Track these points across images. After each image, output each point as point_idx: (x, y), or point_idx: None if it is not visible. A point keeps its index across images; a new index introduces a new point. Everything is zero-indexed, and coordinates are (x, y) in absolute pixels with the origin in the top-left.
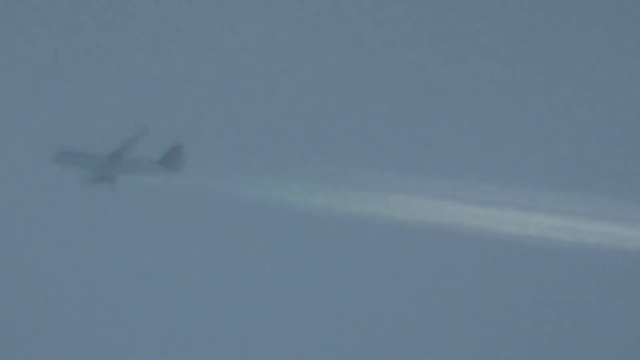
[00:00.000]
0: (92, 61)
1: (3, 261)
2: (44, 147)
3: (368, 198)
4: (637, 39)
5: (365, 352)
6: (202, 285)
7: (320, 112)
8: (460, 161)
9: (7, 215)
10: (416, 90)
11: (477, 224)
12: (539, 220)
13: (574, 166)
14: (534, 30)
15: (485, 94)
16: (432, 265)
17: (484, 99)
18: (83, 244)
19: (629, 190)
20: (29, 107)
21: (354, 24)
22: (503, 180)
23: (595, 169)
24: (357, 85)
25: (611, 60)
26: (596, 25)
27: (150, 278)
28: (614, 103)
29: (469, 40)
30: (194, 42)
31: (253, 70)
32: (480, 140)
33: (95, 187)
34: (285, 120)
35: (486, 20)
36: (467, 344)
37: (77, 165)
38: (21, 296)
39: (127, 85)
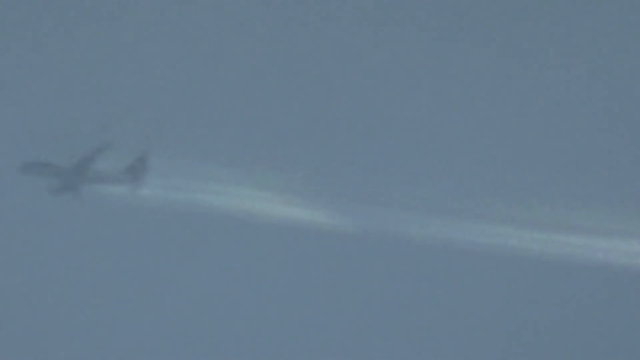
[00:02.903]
0: (56, 72)
1: None
2: (10, 158)
3: (337, 208)
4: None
5: None
6: (162, 293)
7: (290, 121)
8: (443, 170)
9: None
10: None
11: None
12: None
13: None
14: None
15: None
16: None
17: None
18: (49, 252)
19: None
20: None
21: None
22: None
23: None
24: (328, 94)
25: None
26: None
27: (114, 285)
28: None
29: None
30: (160, 53)
31: (219, 81)
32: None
33: (60, 197)
34: (252, 130)
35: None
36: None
37: (42, 176)
38: None
39: (93, 97)
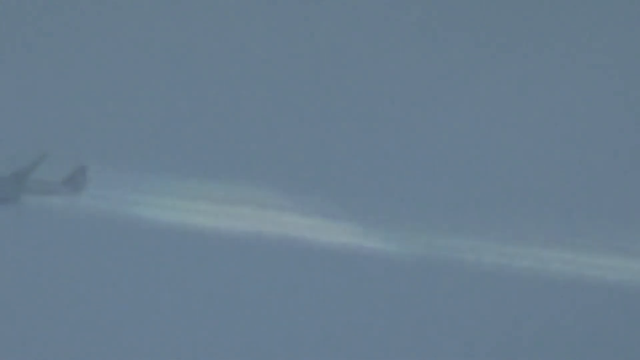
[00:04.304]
0: None
1: None
2: None
3: (275, 219)
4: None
5: None
6: (101, 307)
7: (228, 131)
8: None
9: None
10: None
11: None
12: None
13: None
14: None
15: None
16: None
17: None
18: None
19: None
20: None
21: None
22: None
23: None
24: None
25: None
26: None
27: (52, 297)
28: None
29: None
30: (99, 60)
31: (158, 92)
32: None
33: None
34: (190, 140)
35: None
36: None
37: None
38: None
39: (30, 106)
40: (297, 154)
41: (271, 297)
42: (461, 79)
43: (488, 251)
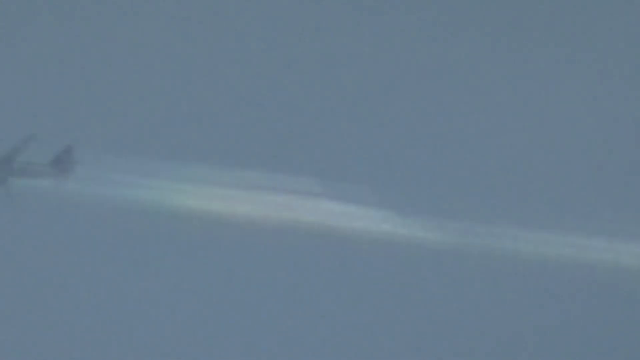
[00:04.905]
0: None
1: None
2: None
3: (268, 201)
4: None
5: None
6: (87, 289)
7: (218, 114)
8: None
9: None
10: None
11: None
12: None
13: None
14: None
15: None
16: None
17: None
18: None
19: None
20: None
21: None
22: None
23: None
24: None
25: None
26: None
27: (40, 279)
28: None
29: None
30: (84, 45)
31: (146, 76)
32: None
33: None
34: (179, 122)
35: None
36: None
37: None
38: None
39: (17, 89)
40: (334, 142)
41: (306, 283)
42: (494, 74)
43: (524, 238)
